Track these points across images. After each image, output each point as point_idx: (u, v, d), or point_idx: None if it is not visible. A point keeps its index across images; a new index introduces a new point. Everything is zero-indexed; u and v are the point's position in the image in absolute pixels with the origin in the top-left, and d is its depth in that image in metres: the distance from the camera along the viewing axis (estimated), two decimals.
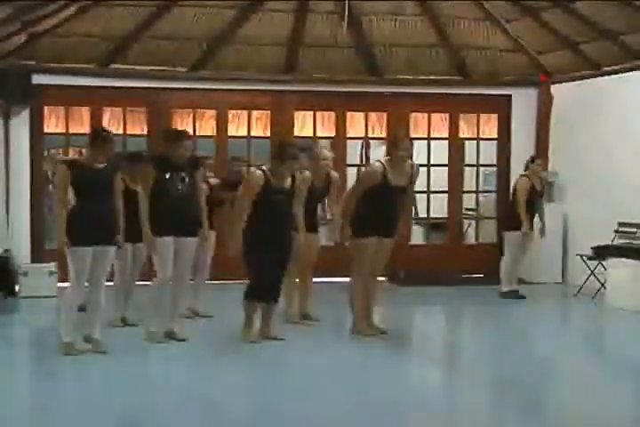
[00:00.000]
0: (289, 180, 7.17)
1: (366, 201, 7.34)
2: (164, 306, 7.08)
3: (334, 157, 8.51)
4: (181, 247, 7.04)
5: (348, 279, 7.61)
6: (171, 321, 7.16)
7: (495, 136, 11.72)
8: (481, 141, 11.66)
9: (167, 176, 6.98)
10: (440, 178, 11.54)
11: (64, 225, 6.49)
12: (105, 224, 6.59)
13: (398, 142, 7.50)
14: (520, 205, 9.65)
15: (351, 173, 10.85)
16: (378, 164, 7.45)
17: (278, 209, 7.08)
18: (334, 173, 8.22)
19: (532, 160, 9.95)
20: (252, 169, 7.59)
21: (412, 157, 7.79)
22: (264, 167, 7.15)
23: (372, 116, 11.44)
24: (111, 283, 7.47)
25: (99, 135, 6.75)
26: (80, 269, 6.53)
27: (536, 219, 9.86)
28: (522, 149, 11.32)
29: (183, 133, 7.37)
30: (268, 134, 11.15)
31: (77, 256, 6.50)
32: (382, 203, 7.34)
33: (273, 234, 7.04)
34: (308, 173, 7.63)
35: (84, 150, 7.56)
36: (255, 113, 11.17)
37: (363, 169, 9.23)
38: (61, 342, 6.63)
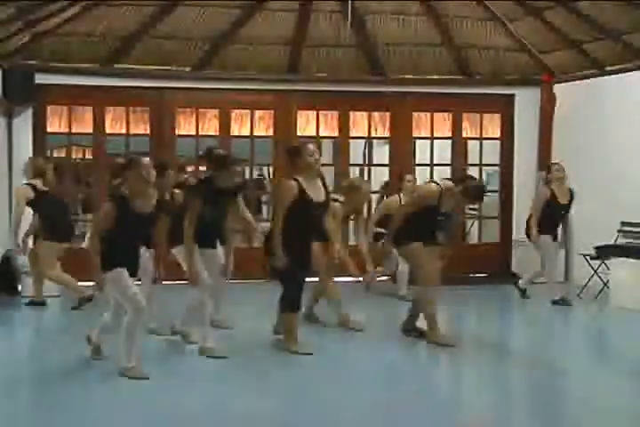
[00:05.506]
0: (322, 187, 6.79)
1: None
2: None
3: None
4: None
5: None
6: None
7: (498, 136, 11.70)
8: (484, 141, 11.64)
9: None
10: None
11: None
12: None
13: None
14: (532, 214, 9.46)
15: (354, 174, 10.84)
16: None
17: (311, 218, 6.79)
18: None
19: (549, 169, 9.61)
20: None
21: None
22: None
23: (375, 115, 11.43)
24: None
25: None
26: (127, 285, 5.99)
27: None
28: (525, 148, 11.38)
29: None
30: (271, 134, 11.16)
31: (119, 276, 5.99)
32: None
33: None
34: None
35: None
36: (258, 113, 11.15)
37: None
38: (124, 367, 6.03)
